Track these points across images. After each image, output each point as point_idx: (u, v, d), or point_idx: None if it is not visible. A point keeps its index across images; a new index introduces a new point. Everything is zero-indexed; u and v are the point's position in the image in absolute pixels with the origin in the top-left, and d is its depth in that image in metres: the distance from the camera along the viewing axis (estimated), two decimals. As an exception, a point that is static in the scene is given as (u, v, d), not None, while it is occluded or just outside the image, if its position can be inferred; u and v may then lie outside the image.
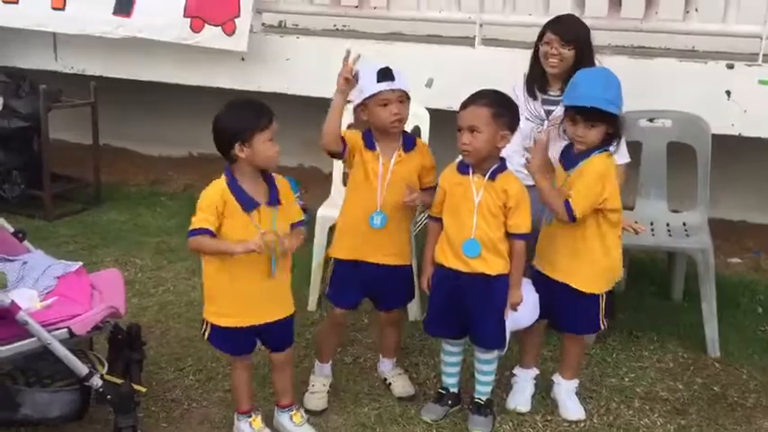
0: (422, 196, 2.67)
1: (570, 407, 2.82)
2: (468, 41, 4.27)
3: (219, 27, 4.47)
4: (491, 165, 2.56)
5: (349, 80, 2.56)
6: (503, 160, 2.60)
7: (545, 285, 2.70)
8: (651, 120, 3.63)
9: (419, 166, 2.72)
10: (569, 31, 3.09)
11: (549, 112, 3.16)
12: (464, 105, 2.56)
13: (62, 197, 4.88)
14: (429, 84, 4.26)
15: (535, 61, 3.22)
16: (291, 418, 2.66)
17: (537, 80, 3.21)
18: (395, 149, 2.68)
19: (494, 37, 4.37)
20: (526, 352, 2.91)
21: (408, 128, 3.79)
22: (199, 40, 4.53)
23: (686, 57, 3.98)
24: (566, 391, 2.85)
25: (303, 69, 4.56)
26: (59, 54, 5.16)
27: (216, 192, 2.38)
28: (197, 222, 2.36)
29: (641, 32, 4.42)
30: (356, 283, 2.77)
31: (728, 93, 3.71)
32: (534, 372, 2.91)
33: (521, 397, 2.85)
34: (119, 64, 5.03)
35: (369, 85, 2.59)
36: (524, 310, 2.65)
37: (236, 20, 4.45)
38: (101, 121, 4.96)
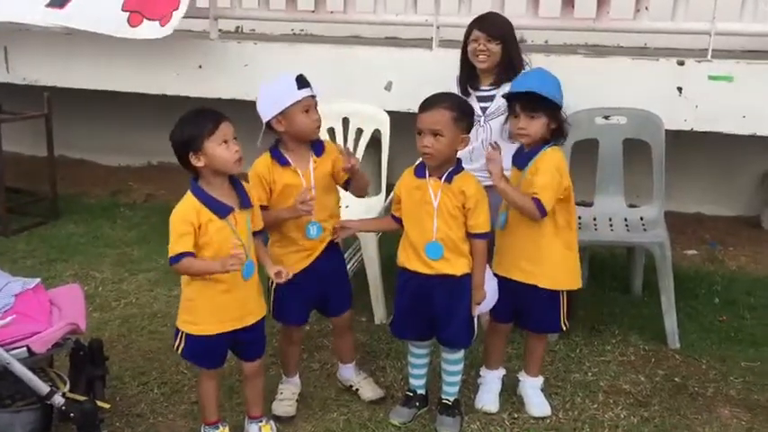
0: (357, 161, 2.68)
1: (536, 403, 2.85)
2: (426, 44, 4.29)
3: (157, 21, 4.33)
4: (448, 167, 2.58)
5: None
6: (459, 162, 2.62)
7: (506, 288, 2.71)
8: (606, 117, 3.69)
9: (331, 166, 2.72)
10: (494, 27, 3.23)
11: (484, 109, 3.25)
12: (424, 108, 2.56)
13: (18, 211, 4.78)
14: (388, 87, 4.28)
15: (465, 60, 3.32)
16: (261, 429, 2.65)
17: (469, 78, 3.32)
18: (307, 158, 2.68)
19: (451, 39, 4.40)
20: (491, 354, 2.93)
21: (368, 132, 3.87)
22: (135, 34, 4.34)
23: (638, 55, 4.06)
24: (531, 387, 2.89)
25: (261, 75, 4.50)
26: (11, 65, 5.06)
27: (187, 209, 2.35)
28: (177, 247, 2.32)
29: (595, 32, 4.51)
30: (301, 298, 2.75)
31: (680, 89, 3.78)
32: (501, 372, 2.94)
33: (488, 396, 2.88)
34: (73, 74, 4.94)
35: (289, 93, 2.57)
36: (486, 297, 2.67)
37: (174, 12, 4.30)
38: (56, 132, 4.86)
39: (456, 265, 2.59)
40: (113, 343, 3.29)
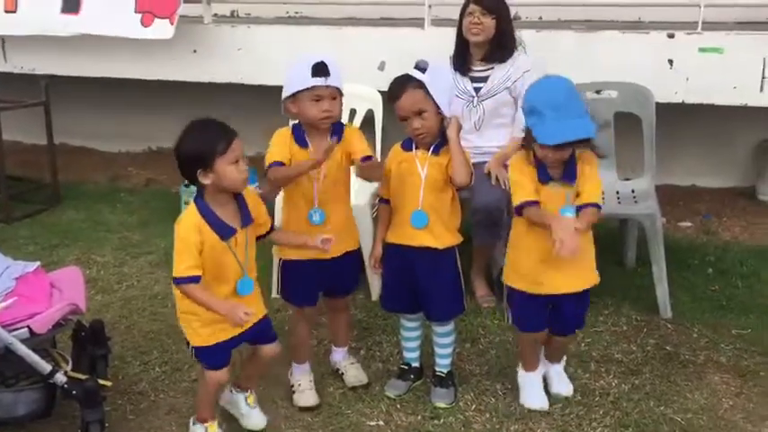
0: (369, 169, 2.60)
1: (562, 387, 2.82)
2: (419, 23, 4.31)
3: (167, 19, 4.47)
4: (435, 141, 2.61)
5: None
6: (444, 135, 2.60)
7: (549, 302, 2.63)
8: (598, 92, 3.72)
9: (347, 151, 2.64)
10: (490, 1, 3.31)
11: (477, 89, 3.30)
12: (397, 95, 2.53)
13: (20, 199, 4.84)
14: (381, 66, 4.30)
15: (459, 36, 3.40)
16: (246, 399, 2.65)
17: (463, 56, 3.40)
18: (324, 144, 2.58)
19: (444, 17, 4.42)
20: (528, 358, 2.80)
21: (362, 112, 3.90)
22: (147, 35, 4.53)
23: (629, 28, 4.08)
24: (556, 373, 2.84)
25: (255, 58, 4.56)
26: (8, 55, 5.11)
27: (190, 226, 2.31)
28: (182, 267, 2.28)
29: (586, 6, 4.53)
30: (311, 279, 2.71)
31: (671, 62, 3.81)
32: (541, 371, 2.84)
33: (535, 393, 2.78)
34: (70, 62, 4.99)
35: (302, 79, 2.49)
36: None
37: (177, 10, 4.48)
38: (56, 120, 4.91)
39: (440, 238, 2.63)
40: (115, 324, 3.35)
